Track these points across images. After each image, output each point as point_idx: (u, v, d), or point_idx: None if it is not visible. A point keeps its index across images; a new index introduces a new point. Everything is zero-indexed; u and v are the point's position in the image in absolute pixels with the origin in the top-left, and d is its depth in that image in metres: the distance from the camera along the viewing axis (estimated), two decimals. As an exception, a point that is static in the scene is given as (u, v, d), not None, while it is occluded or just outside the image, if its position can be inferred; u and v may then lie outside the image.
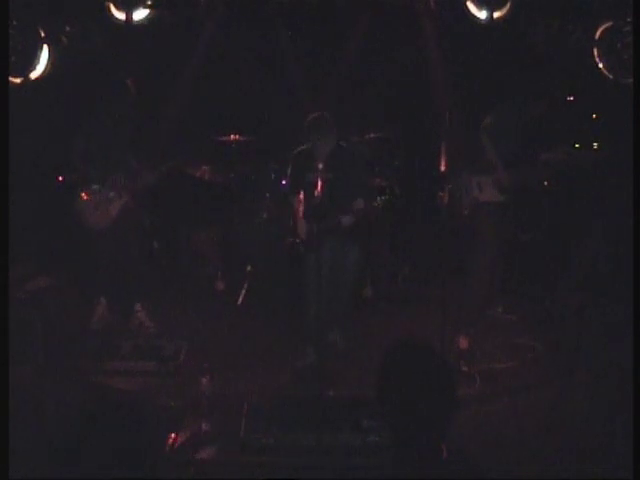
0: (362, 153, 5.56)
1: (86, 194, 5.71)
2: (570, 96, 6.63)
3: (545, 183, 5.59)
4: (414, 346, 2.28)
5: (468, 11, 5.82)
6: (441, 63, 6.90)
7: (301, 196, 5.35)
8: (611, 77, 5.50)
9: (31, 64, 5.63)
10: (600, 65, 5.51)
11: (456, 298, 5.54)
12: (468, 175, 5.49)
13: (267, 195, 6.65)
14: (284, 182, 6.42)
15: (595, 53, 5.53)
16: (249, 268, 6.64)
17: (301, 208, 5.35)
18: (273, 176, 6.58)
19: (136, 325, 5.94)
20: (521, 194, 5.54)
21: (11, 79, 5.43)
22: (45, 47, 5.67)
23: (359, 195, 5.23)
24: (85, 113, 5.78)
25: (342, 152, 5.27)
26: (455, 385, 2.26)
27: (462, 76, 6.76)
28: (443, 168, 5.54)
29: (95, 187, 5.72)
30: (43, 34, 5.64)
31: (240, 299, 6.48)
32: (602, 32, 5.45)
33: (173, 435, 4.18)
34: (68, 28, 5.78)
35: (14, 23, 5.40)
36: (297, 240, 5.35)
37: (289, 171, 5.48)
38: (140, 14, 5.98)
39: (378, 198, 6.06)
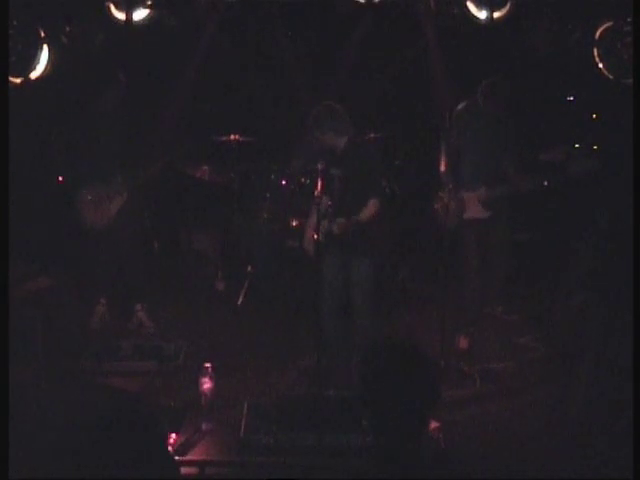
0: (375, 151, 5.42)
1: (85, 194, 5.72)
2: (570, 96, 6.64)
3: (545, 183, 5.61)
4: (393, 345, 2.28)
5: (468, 11, 5.82)
6: (441, 63, 6.90)
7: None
8: (611, 77, 5.50)
9: (31, 64, 5.62)
10: (600, 65, 5.52)
11: (456, 298, 5.57)
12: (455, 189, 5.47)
13: (267, 195, 6.64)
14: (284, 182, 6.42)
15: (595, 53, 5.53)
16: (249, 268, 6.64)
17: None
18: (273, 176, 6.57)
19: (136, 325, 5.95)
20: (507, 208, 5.57)
21: (11, 79, 5.43)
22: (45, 47, 5.67)
23: (373, 196, 4.89)
24: (84, 112, 5.78)
25: (356, 149, 4.99)
26: (436, 383, 2.25)
27: (462, 76, 6.76)
28: (443, 168, 5.55)
29: (95, 186, 5.73)
30: (43, 34, 5.63)
31: (240, 299, 6.48)
32: (602, 32, 5.45)
33: (173, 435, 4.18)
34: (68, 28, 5.78)
35: (14, 23, 5.39)
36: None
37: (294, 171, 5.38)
38: (140, 14, 5.98)
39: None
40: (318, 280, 4.66)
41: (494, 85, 5.47)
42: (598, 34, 5.47)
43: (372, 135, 6.70)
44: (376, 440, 2.25)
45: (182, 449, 4.12)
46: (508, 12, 5.68)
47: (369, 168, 4.93)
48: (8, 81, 5.06)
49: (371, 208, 4.87)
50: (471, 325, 5.58)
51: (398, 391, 2.17)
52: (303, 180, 6.26)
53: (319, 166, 4.75)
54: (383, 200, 5.06)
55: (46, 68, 5.71)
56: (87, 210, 5.74)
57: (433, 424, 4.07)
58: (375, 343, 2.30)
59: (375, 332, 5.16)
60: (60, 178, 6.13)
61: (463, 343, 5.48)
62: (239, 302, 6.47)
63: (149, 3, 5.93)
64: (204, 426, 4.32)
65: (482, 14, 5.79)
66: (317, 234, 4.43)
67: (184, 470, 4.02)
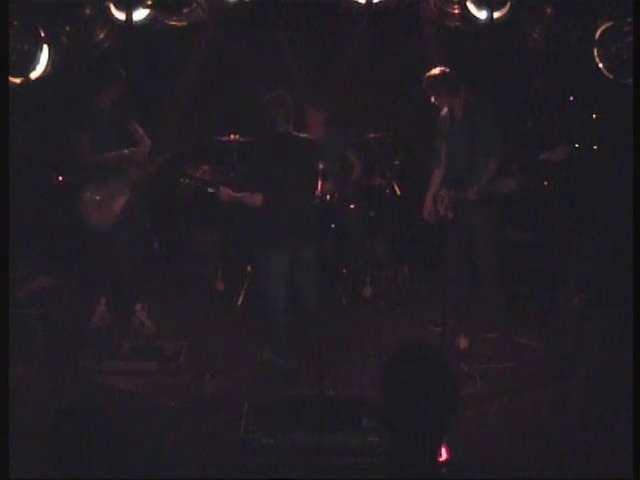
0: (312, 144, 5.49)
1: (89, 192, 5.73)
2: (570, 96, 6.63)
3: (545, 183, 5.60)
4: (418, 348, 2.28)
5: (468, 11, 5.81)
6: (441, 63, 6.89)
7: None
8: (611, 77, 5.49)
9: (31, 64, 5.62)
10: (600, 65, 5.51)
11: (456, 297, 5.56)
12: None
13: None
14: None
15: (595, 53, 5.52)
16: (249, 268, 6.64)
17: None
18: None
19: (136, 325, 5.95)
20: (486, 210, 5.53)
21: (11, 79, 5.43)
22: (45, 47, 5.67)
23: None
24: (84, 110, 5.79)
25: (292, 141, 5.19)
26: (459, 388, 2.25)
27: (462, 76, 6.75)
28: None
29: (98, 186, 5.74)
30: (43, 34, 5.63)
31: (240, 299, 6.48)
32: (602, 32, 5.44)
33: (173, 435, 4.18)
34: (68, 28, 5.78)
35: (14, 23, 5.39)
36: None
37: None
38: (140, 14, 5.97)
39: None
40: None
41: (436, 78, 5.48)
42: (598, 34, 5.46)
43: (372, 135, 6.72)
44: (389, 443, 2.23)
45: (182, 449, 4.12)
46: (508, 12, 5.67)
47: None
48: (8, 81, 5.05)
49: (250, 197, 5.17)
50: (471, 324, 5.58)
51: (422, 398, 2.15)
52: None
53: (320, 166, 4.76)
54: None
55: (46, 68, 5.71)
56: (91, 210, 5.74)
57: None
58: (401, 349, 2.28)
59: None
60: (60, 178, 6.13)
61: (463, 343, 5.48)
62: (239, 302, 6.47)
63: (149, 3, 5.92)
64: (204, 426, 4.33)
65: (482, 14, 5.78)
66: None
67: (184, 470, 4.03)
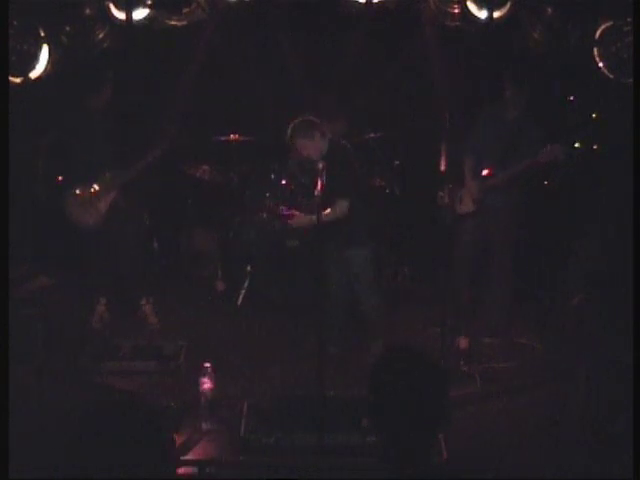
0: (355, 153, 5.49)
1: (74, 192, 5.74)
2: (570, 96, 6.63)
3: (545, 183, 5.60)
4: (406, 350, 2.29)
5: (468, 11, 5.81)
6: (441, 63, 6.90)
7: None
8: (611, 77, 5.49)
9: (31, 64, 5.63)
10: (600, 65, 5.51)
11: (456, 297, 5.56)
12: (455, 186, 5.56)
13: (267, 195, 6.64)
14: (284, 182, 6.41)
15: (595, 53, 5.52)
16: (249, 268, 6.63)
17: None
18: (273, 176, 6.57)
19: (140, 318, 5.96)
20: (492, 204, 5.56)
21: (11, 79, 5.43)
22: (45, 47, 5.67)
23: (342, 197, 5.10)
24: (73, 111, 5.81)
25: (337, 151, 5.20)
26: (447, 388, 2.26)
27: (462, 76, 6.75)
28: (443, 168, 5.55)
29: (82, 184, 5.75)
30: (43, 34, 5.63)
31: (240, 299, 6.48)
32: (602, 32, 5.44)
33: (173, 435, 4.18)
34: (68, 28, 5.78)
35: (14, 23, 5.39)
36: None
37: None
38: (140, 14, 5.97)
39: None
40: (318, 277, 4.67)
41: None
42: (598, 34, 5.46)
43: (372, 135, 6.71)
44: (382, 442, 2.24)
45: (182, 449, 4.12)
46: (508, 12, 5.67)
47: (343, 171, 5.13)
48: (8, 81, 5.05)
49: (337, 208, 5.08)
50: (470, 325, 5.58)
51: (411, 399, 2.16)
52: (303, 180, 6.27)
53: (320, 166, 4.75)
54: (353, 201, 5.17)
55: (46, 68, 5.71)
56: (75, 208, 5.75)
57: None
58: (390, 350, 2.30)
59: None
60: (60, 178, 6.14)
61: (463, 343, 5.48)
62: (239, 302, 6.47)
63: (149, 3, 5.92)
64: (204, 426, 4.33)
65: (482, 14, 5.78)
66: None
67: (184, 470, 4.03)
